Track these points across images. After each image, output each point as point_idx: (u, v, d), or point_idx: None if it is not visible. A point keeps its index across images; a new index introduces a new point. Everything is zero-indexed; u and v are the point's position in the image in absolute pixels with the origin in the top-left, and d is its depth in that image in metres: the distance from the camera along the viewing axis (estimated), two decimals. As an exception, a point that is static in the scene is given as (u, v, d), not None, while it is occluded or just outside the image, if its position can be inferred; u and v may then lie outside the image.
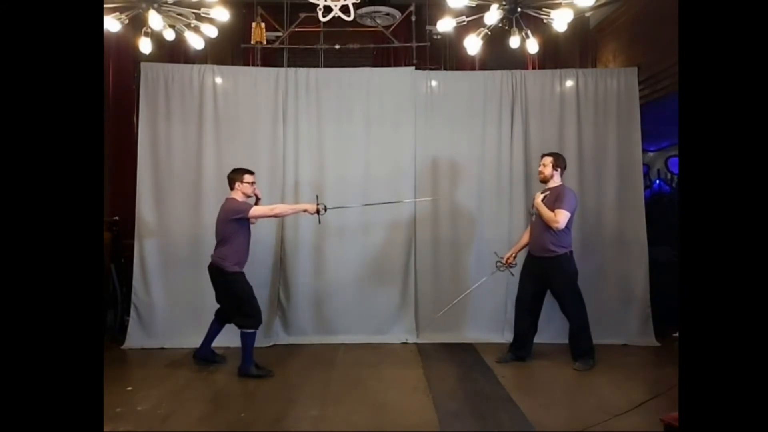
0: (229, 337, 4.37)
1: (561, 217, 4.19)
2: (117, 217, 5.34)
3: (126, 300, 5.15)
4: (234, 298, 4.15)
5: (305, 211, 4.29)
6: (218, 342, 4.41)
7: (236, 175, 4.23)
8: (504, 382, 3.98)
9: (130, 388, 3.85)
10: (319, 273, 4.99)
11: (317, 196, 4.41)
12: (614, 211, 5.16)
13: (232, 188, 4.24)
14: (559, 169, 4.40)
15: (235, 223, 4.13)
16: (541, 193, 4.50)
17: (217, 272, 4.14)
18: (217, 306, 4.33)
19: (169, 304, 5.00)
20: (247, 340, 4.08)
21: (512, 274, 4.70)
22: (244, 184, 4.21)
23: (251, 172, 4.28)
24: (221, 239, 4.16)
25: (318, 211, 4.23)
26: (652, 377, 4.08)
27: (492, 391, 3.81)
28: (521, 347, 4.51)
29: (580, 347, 4.32)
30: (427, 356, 4.66)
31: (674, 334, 4.98)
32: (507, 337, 4.99)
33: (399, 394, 3.76)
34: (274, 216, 4.39)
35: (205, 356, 4.32)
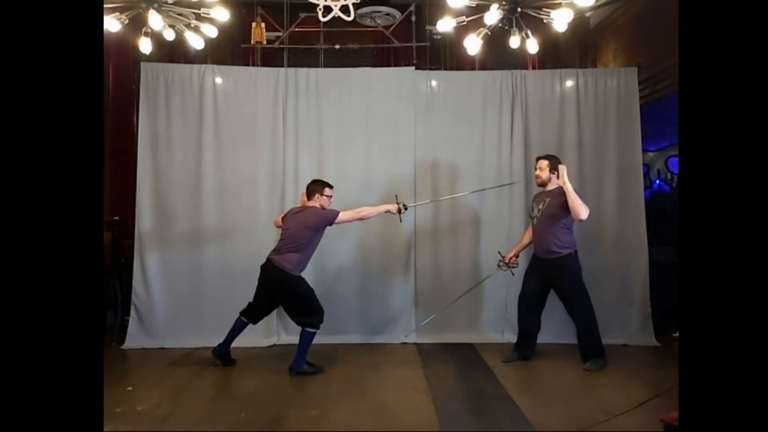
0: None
1: (584, 210, 4.16)
2: (117, 217, 5.33)
3: (126, 300, 5.14)
4: (301, 298, 4.19)
5: (387, 211, 4.34)
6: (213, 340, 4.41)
7: (317, 187, 4.30)
8: (504, 381, 3.97)
9: (130, 388, 3.85)
10: (319, 272, 4.98)
11: (396, 196, 4.43)
12: (614, 211, 5.16)
13: (310, 198, 4.28)
14: (556, 172, 4.39)
15: (319, 232, 4.21)
16: (537, 197, 4.51)
17: (278, 276, 4.13)
18: (242, 307, 4.32)
19: (169, 304, 5.00)
20: (308, 338, 4.13)
21: (513, 274, 4.71)
22: (323, 197, 4.28)
23: (331, 186, 4.34)
24: (296, 245, 4.14)
25: (399, 211, 4.31)
26: (652, 377, 4.07)
27: (492, 391, 3.81)
28: (526, 346, 4.50)
29: (590, 347, 4.30)
30: (427, 356, 4.66)
31: (674, 334, 4.98)
32: (507, 337, 4.99)
33: (399, 394, 3.76)
34: (360, 219, 4.36)
35: (223, 354, 4.32)
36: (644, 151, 5.58)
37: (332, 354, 4.63)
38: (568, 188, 4.20)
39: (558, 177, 4.35)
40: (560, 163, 4.44)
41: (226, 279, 4.99)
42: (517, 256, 4.66)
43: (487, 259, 5.05)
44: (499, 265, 4.67)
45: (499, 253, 4.69)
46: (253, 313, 4.33)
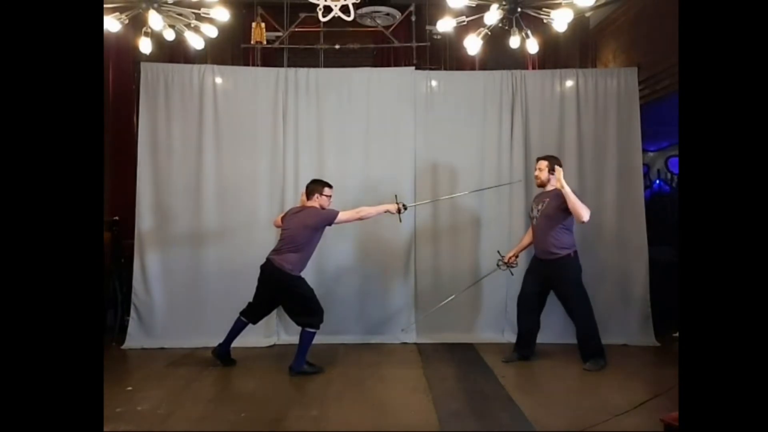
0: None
1: (585, 212, 4.17)
2: (117, 217, 5.33)
3: (126, 300, 5.14)
4: (301, 299, 4.18)
5: (387, 211, 4.34)
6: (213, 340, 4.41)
7: (317, 187, 4.29)
8: (504, 382, 3.97)
9: (130, 388, 3.85)
10: (319, 273, 4.98)
11: (396, 196, 4.42)
12: (614, 211, 5.15)
13: (309, 198, 4.28)
14: (555, 173, 4.38)
15: (318, 232, 4.20)
16: (537, 197, 4.50)
17: (278, 276, 4.13)
18: (242, 307, 4.32)
19: (169, 304, 5.00)
20: (308, 338, 4.13)
21: (512, 274, 4.72)
22: (323, 197, 4.28)
23: (330, 186, 4.34)
24: (296, 245, 4.14)
25: (399, 211, 4.31)
26: (652, 377, 4.08)
27: (492, 390, 3.81)
28: (526, 346, 4.50)
29: (590, 348, 4.30)
30: (427, 356, 4.66)
31: (674, 334, 4.98)
32: (507, 337, 4.99)
33: (399, 394, 3.76)
34: (359, 219, 4.35)
35: (223, 354, 4.32)
36: (644, 151, 5.59)
37: (332, 354, 4.63)
38: (567, 191, 4.20)
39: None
40: (559, 163, 4.43)
41: (226, 279, 4.99)
42: (516, 256, 4.66)
43: (487, 259, 5.04)
44: (498, 265, 4.67)
45: (498, 252, 4.70)
46: (252, 313, 4.32)
